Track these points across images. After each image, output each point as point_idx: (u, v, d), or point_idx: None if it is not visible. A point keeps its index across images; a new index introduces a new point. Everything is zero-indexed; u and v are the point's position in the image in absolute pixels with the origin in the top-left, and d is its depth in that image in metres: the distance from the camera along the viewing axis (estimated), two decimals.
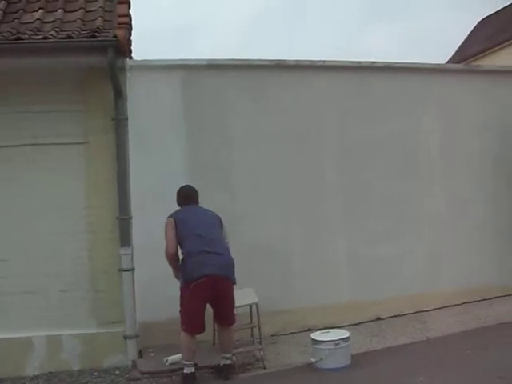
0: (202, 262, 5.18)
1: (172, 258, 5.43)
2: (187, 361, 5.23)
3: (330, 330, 5.56)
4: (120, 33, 5.67)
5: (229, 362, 5.36)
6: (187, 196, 5.67)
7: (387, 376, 5.11)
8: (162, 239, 6.29)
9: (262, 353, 5.74)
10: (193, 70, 6.67)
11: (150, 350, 6.17)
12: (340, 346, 5.27)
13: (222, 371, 5.37)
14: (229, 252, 5.34)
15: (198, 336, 5.26)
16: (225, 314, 5.34)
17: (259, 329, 5.92)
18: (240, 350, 5.78)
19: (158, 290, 6.26)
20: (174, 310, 6.12)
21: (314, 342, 5.38)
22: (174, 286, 6.17)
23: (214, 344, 5.95)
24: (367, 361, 5.54)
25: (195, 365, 5.27)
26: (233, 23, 42.37)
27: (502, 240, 7.52)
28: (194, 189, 5.76)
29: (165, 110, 6.57)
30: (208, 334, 5.62)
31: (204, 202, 6.21)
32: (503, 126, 7.64)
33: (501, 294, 7.38)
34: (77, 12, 6.33)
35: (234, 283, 5.31)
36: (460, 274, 7.30)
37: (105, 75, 5.78)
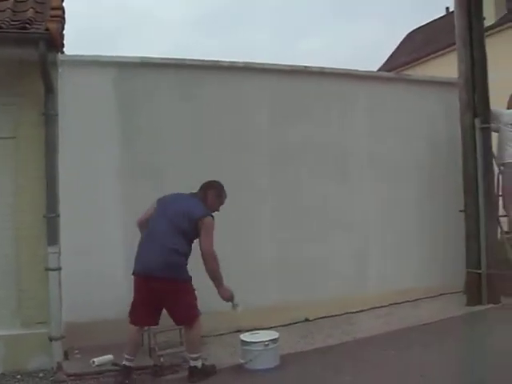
0: (140, 256, 5.22)
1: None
2: (126, 354, 5.19)
3: (259, 332, 5.60)
4: (52, 26, 5.49)
5: (193, 363, 5.22)
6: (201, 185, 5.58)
7: (315, 376, 5.21)
8: (90, 238, 6.24)
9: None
10: (125, 67, 6.56)
11: (77, 352, 6.02)
12: (269, 346, 5.33)
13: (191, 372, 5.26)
14: (171, 250, 5.11)
15: None
16: (172, 314, 5.23)
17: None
18: (168, 351, 5.72)
19: (85, 291, 6.16)
20: (101, 310, 6.10)
21: (244, 343, 5.41)
22: (101, 287, 6.14)
23: (142, 345, 5.86)
24: (296, 361, 5.61)
25: (132, 360, 5.21)
26: (170, 25, 42.16)
27: (426, 244, 7.78)
28: (209, 182, 5.61)
29: (96, 108, 6.43)
30: None
31: (135, 202, 6.24)
32: (430, 134, 7.92)
33: (423, 296, 7.65)
34: (6, 1, 6.09)
35: (175, 280, 5.11)
36: (386, 276, 7.52)
37: (36, 69, 5.56)
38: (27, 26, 5.52)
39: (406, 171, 7.76)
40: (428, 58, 15.49)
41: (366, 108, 7.60)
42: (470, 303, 7.26)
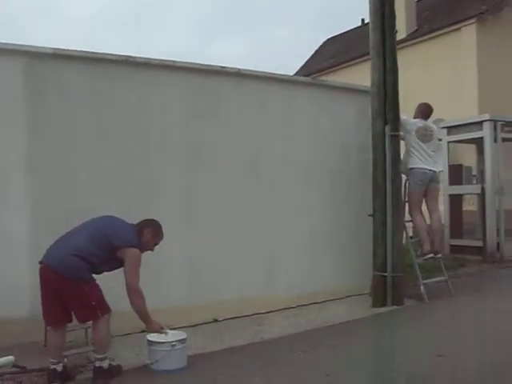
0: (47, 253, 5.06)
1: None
2: (50, 358, 5.03)
3: (167, 331, 5.50)
4: None
5: (98, 364, 5.04)
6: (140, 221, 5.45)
7: (223, 376, 5.17)
8: None
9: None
10: (37, 57, 6.28)
11: None
12: (176, 347, 5.24)
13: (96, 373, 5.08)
14: (75, 255, 4.90)
15: None
16: (72, 311, 5.04)
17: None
18: (73, 351, 5.51)
19: None
20: (5, 310, 5.81)
21: (150, 343, 5.30)
22: (4, 285, 5.86)
23: (45, 345, 5.64)
24: (204, 362, 5.56)
25: (58, 362, 5.03)
26: (78, 20, 40.96)
27: (334, 247, 7.96)
28: (149, 221, 5.48)
29: (4, 98, 6.14)
30: None
31: (40, 200, 6.17)
32: (344, 140, 8.12)
33: (331, 298, 7.83)
34: None
35: (72, 279, 4.89)
36: (294, 278, 7.62)
37: None
38: None
39: (319, 175, 7.91)
40: (342, 65, 15.91)
41: (282, 111, 7.68)
42: (375, 305, 7.47)
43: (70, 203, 6.23)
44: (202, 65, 7.12)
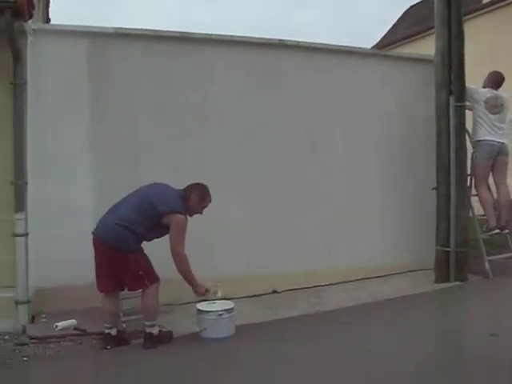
0: (100, 219, 5.38)
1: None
2: (105, 322, 5.40)
3: (216, 301, 5.69)
4: None
5: (148, 330, 5.32)
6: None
7: (267, 346, 5.29)
8: (62, 205, 6.34)
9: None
10: (99, 37, 6.57)
11: (44, 316, 6.18)
12: (223, 316, 5.43)
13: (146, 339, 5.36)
14: (121, 226, 5.16)
15: None
16: (122, 280, 5.33)
17: None
18: (132, 317, 5.86)
19: (56, 256, 6.31)
20: (70, 275, 6.23)
21: (199, 311, 5.52)
22: (72, 252, 6.25)
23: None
24: (252, 331, 5.74)
25: (111, 327, 5.40)
26: None
27: (397, 220, 7.84)
28: (191, 184, 5.63)
29: (68, 78, 6.44)
30: None
31: (106, 175, 6.49)
32: (409, 112, 7.90)
33: (393, 272, 7.73)
34: None
35: (123, 251, 5.18)
36: (356, 251, 7.58)
37: (4, 38, 5.66)
38: None
39: (382, 147, 7.78)
40: (420, 35, 15.18)
41: (343, 83, 7.58)
42: (438, 280, 7.32)
43: (131, 178, 6.39)
44: (261, 38, 7.15)
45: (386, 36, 17.11)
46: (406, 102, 7.86)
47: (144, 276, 5.26)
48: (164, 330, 5.56)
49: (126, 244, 5.21)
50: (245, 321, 5.92)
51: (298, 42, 7.30)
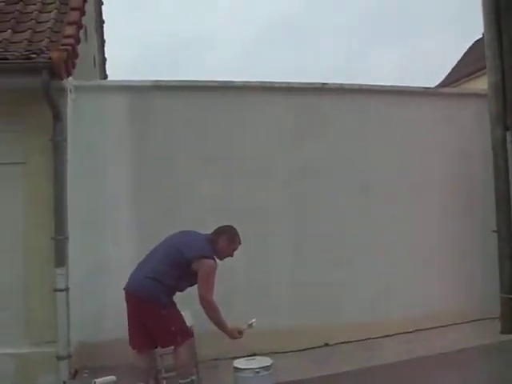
0: (129, 278, 5.22)
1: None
2: (137, 380, 5.21)
3: (255, 358, 5.44)
4: (55, 55, 5.72)
5: None
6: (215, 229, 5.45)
7: None
8: (103, 260, 6.35)
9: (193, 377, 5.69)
10: (139, 91, 6.68)
11: (86, 371, 6.14)
12: (260, 374, 5.14)
13: None
14: (150, 278, 5.00)
15: None
16: (156, 336, 5.13)
17: (195, 354, 5.88)
18: (173, 374, 5.70)
19: (98, 310, 6.30)
20: (114, 330, 6.16)
21: (235, 369, 5.27)
22: (114, 306, 6.19)
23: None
24: None
25: None
26: (238, 38, 42.20)
27: (459, 265, 7.35)
28: (221, 227, 5.42)
29: (110, 133, 6.59)
30: None
31: (148, 227, 6.41)
32: (464, 149, 7.49)
33: (454, 322, 7.21)
34: (25, 33, 6.39)
35: (151, 303, 4.98)
36: (412, 300, 7.11)
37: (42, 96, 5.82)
38: (33, 55, 5.77)
39: (436, 187, 7.38)
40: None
41: (391, 123, 7.30)
42: (504, 331, 6.77)
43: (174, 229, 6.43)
44: (302, 83, 7.04)
45: (451, 73, 16.61)
46: (460, 137, 7.45)
47: (176, 332, 5.06)
48: None
49: (157, 297, 5.04)
50: (290, 377, 5.65)
51: (341, 84, 7.14)
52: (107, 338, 6.24)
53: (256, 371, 5.15)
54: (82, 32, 7.17)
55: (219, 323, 5.13)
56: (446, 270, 7.32)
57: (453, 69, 16.88)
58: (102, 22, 9.77)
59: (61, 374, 5.90)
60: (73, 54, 6.19)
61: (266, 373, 5.21)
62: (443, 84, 15.93)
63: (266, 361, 5.35)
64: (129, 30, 34.40)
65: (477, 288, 7.24)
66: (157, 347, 5.31)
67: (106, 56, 10.34)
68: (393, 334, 7.03)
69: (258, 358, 5.47)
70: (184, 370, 5.17)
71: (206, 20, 40.23)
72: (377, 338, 6.97)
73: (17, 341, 5.94)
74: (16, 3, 6.86)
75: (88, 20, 8.31)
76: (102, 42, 10.06)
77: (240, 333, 5.25)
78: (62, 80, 5.90)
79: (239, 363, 5.32)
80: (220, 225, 5.50)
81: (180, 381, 5.16)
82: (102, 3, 9.57)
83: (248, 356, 5.95)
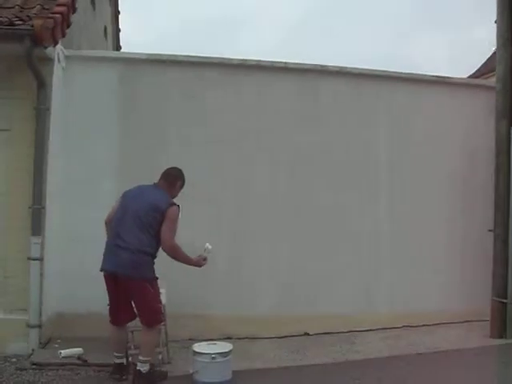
0: (107, 254, 5.15)
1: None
2: (114, 351, 5.24)
3: (216, 342, 5.34)
4: (38, 22, 5.62)
5: (139, 366, 5.03)
6: (162, 174, 5.43)
7: None
8: (84, 231, 6.31)
9: (160, 357, 5.63)
10: (131, 63, 6.59)
11: (58, 341, 6.17)
12: (216, 360, 5.04)
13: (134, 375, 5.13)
14: (139, 251, 4.98)
15: None
16: (138, 312, 5.13)
17: (166, 332, 5.84)
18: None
19: (77, 281, 6.27)
20: (91, 302, 6.14)
21: (194, 353, 5.16)
22: (92, 279, 6.17)
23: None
24: (250, 378, 5.30)
25: (121, 357, 5.25)
26: (277, 22, 41.26)
27: (453, 263, 7.06)
28: (173, 170, 5.44)
29: (98, 103, 6.51)
30: None
31: None
32: (467, 143, 7.15)
33: (446, 321, 6.95)
34: None
35: (141, 280, 4.98)
36: (400, 295, 6.91)
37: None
38: (18, 22, 5.71)
39: (435, 181, 7.09)
40: None
41: (392, 112, 7.00)
42: (493, 335, 6.46)
43: None
44: (300, 64, 6.83)
45: (486, 63, 15.91)
46: (466, 132, 7.12)
47: (160, 311, 5.17)
48: (158, 369, 5.28)
49: (147, 272, 5.05)
50: (259, 364, 5.53)
51: (342, 67, 6.89)
52: (84, 310, 6.23)
53: (212, 357, 5.06)
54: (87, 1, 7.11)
55: (185, 260, 5.21)
56: (440, 268, 7.05)
57: (488, 59, 16.19)
58: None
59: (30, 342, 5.90)
60: (62, 23, 6.08)
61: (223, 359, 5.11)
62: (476, 75, 15.34)
63: (226, 346, 5.25)
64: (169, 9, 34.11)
65: (471, 288, 6.93)
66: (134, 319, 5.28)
67: (120, 27, 10.26)
68: (378, 329, 6.83)
69: (218, 343, 5.38)
70: (148, 348, 5.12)
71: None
72: (361, 331, 6.77)
73: None
74: None
75: None
76: (116, 13, 9.97)
77: (205, 259, 5.35)
78: (46, 48, 5.82)
79: (198, 347, 5.24)
80: (210, 204, 5.97)
81: (140, 358, 5.06)
82: None
83: (223, 339, 5.91)
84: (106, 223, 5.39)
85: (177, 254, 5.12)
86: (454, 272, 7.03)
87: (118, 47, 10.32)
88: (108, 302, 5.22)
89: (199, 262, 5.32)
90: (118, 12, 9.98)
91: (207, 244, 5.33)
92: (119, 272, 5.01)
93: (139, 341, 5.27)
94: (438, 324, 6.95)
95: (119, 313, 5.16)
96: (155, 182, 5.37)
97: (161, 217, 5.05)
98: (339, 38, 36.17)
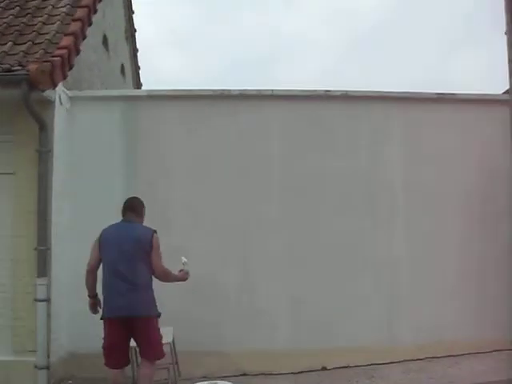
0: (111, 299, 5.04)
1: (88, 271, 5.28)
2: None
3: (218, 382, 5.20)
4: (33, 67, 5.76)
5: None
6: (124, 208, 5.38)
7: None
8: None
9: None
10: (133, 101, 6.64)
11: (70, 382, 6.16)
12: None
13: None
14: (142, 287, 5.00)
15: None
16: (146, 348, 5.07)
17: (174, 370, 5.75)
18: None
19: (88, 322, 6.24)
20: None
21: None
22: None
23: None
24: None
25: None
26: (324, 50, 40.60)
27: (479, 289, 6.64)
28: (136, 201, 5.44)
29: (102, 142, 6.59)
30: None
31: None
32: (484, 161, 6.78)
33: (473, 351, 6.51)
34: (24, 45, 6.48)
35: (152, 317, 5.01)
36: (423, 324, 6.54)
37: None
38: (15, 68, 5.85)
39: (454, 204, 6.73)
40: None
41: (402, 133, 6.75)
42: None
43: (165, 242, 6.24)
44: (304, 91, 6.68)
45: None
46: (480, 150, 6.77)
47: (162, 345, 5.12)
48: None
49: (154, 309, 5.08)
50: None
51: (346, 91, 6.71)
52: (95, 349, 6.11)
53: None
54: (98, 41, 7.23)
55: (175, 279, 5.34)
56: (463, 294, 6.62)
57: None
58: (134, 30, 9.84)
59: (39, 383, 5.90)
60: (62, 65, 6.18)
61: None
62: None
63: None
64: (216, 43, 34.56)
65: (499, 315, 6.50)
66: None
67: (140, 65, 10.39)
68: (400, 361, 6.47)
69: (219, 382, 5.21)
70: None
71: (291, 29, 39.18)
72: (381, 364, 6.43)
73: (2, 348, 6.01)
74: (24, 16, 7.02)
75: (112, 29, 8.39)
76: (135, 51, 10.13)
77: (187, 273, 5.38)
78: (43, 92, 5.91)
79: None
80: (213, 237, 6.21)
81: None
82: (133, 12, 9.64)
83: (238, 376, 5.77)
84: (88, 272, 5.27)
85: (168, 277, 5.25)
86: (480, 298, 6.60)
87: (138, 84, 10.46)
88: (104, 346, 5.10)
89: (184, 277, 5.39)
90: (137, 50, 10.13)
91: (183, 257, 5.40)
92: (133, 315, 4.95)
93: (139, 375, 5.16)
94: (465, 354, 6.51)
95: (120, 356, 5.07)
96: (123, 217, 5.33)
97: (149, 247, 5.12)
98: (389, 64, 35.29)
